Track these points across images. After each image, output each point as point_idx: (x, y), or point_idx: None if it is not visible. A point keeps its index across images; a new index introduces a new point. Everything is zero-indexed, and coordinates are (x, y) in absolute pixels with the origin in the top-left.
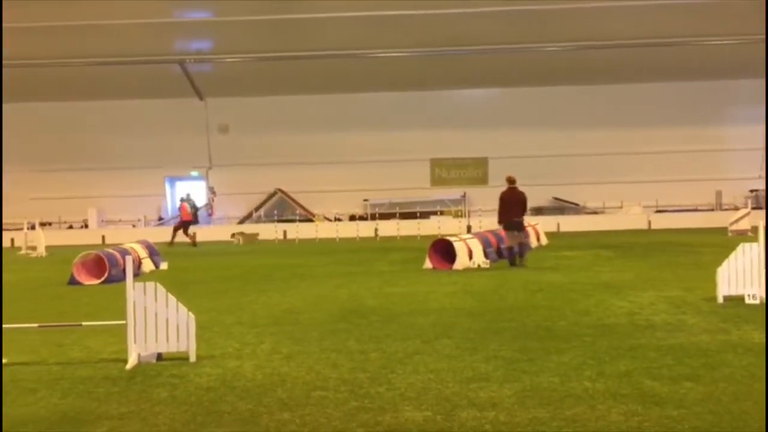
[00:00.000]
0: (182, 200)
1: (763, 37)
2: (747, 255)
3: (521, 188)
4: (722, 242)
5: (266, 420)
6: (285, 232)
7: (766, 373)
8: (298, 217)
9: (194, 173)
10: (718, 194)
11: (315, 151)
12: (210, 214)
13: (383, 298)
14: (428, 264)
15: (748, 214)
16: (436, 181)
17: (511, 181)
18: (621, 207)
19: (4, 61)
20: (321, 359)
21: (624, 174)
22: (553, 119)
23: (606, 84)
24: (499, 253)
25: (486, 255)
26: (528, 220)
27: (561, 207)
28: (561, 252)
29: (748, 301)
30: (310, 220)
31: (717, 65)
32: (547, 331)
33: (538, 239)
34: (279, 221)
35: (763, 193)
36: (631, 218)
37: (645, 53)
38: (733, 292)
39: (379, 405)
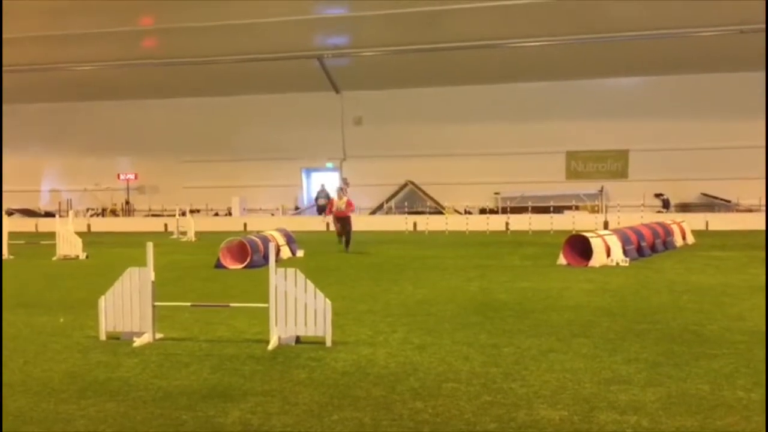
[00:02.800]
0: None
1: None
2: None
3: (662, 183)
4: None
5: (399, 407)
6: (415, 224)
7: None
8: (428, 209)
9: (329, 165)
10: None
11: (447, 143)
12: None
13: (516, 292)
14: (562, 260)
15: None
16: (572, 174)
17: None
18: None
19: (159, 60)
20: (453, 351)
21: None
22: (702, 109)
23: (761, 71)
24: (640, 251)
25: (625, 253)
26: (672, 217)
27: (710, 204)
28: (710, 252)
29: None
30: (440, 213)
31: None
32: (695, 336)
33: (684, 237)
34: (409, 213)
35: None
36: None
37: None
38: None
39: (512, 401)
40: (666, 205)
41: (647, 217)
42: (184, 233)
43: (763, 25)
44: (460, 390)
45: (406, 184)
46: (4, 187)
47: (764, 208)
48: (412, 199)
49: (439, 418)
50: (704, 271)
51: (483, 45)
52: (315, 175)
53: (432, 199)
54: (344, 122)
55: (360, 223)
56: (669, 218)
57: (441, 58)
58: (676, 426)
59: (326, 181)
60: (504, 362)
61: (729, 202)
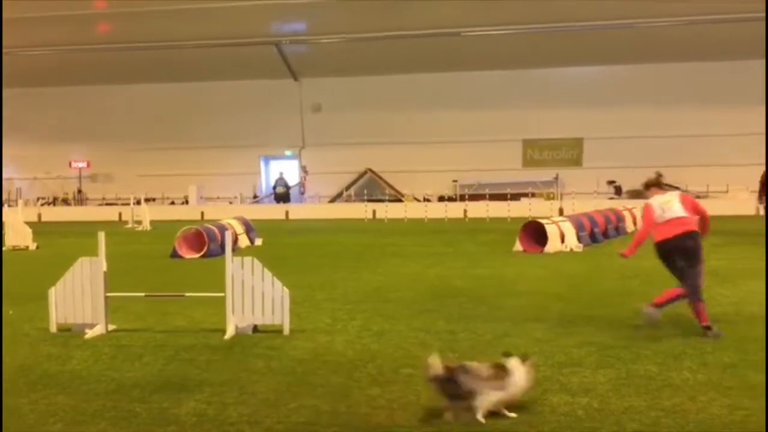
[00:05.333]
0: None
1: None
2: None
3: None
4: None
5: (357, 394)
6: (374, 212)
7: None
8: (387, 197)
9: (288, 153)
10: None
11: (406, 131)
12: (302, 193)
13: (472, 279)
14: (518, 246)
15: None
16: (528, 162)
17: None
18: (727, 191)
19: (113, 45)
20: (410, 338)
21: (730, 156)
22: (654, 98)
23: (711, 61)
24: (593, 237)
25: (579, 239)
26: (624, 203)
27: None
28: None
29: None
30: (400, 200)
31: None
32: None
33: (635, 223)
34: (369, 201)
35: None
36: (737, 203)
37: (758, 28)
38: None
39: None
40: (618, 191)
41: (600, 204)
42: (138, 222)
43: (709, 17)
44: (418, 376)
45: (365, 172)
46: None
47: (712, 194)
48: (371, 187)
49: (396, 403)
50: (653, 256)
51: (441, 33)
52: (274, 163)
53: (391, 186)
54: (303, 110)
55: (319, 211)
56: (621, 205)
57: (400, 46)
58: (625, 406)
59: (285, 169)
60: (460, 347)
61: (679, 188)
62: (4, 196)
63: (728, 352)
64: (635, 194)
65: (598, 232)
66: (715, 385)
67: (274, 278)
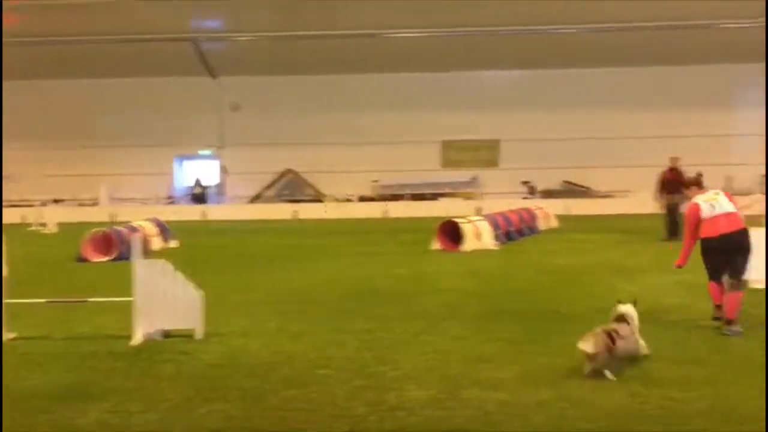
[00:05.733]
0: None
1: None
2: (755, 241)
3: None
4: None
5: (271, 397)
6: (295, 213)
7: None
8: (309, 198)
9: (205, 152)
10: (729, 179)
11: (327, 132)
12: (220, 193)
13: (391, 278)
14: (437, 245)
15: (759, 199)
16: (447, 163)
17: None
18: (631, 191)
19: (15, 39)
20: (328, 338)
21: (635, 158)
22: (565, 102)
23: (618, 67)
24: (508, 236)
25: (495, 237)
26: (537, 203)
27: (571, 190)
28: (571, 235)
29: (752, 285)
30: (320, 201)
31: (729, 49)
32: (553, 313)
33: (548, 222)
34: (289, 201)
35: None
36: (642, 202)
37: (660, 36)
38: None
39: (383, 384)
40: (532, 191)
41: (515, 204)
42: (43, 225)
43: (616, 25)
44: (333, 376)
45: (286, 173)
46: None
47: (617, 194)
48: (292, 187)
49: (311, 405)
50: (564, 253)
51: (361, 34)
52: (190, 163)
53: (313, 187)
54: (221, 108)
55: (239, 211)
56: (534, 204)
57: (320, 45)
58: (533, 399)
59: (204, 169)
60: (377, 347)
61: (587, 188)
62: None
63: None
64: (548, 194)
65: (513, 230)
66: (617, 375)
67: (186, 281)
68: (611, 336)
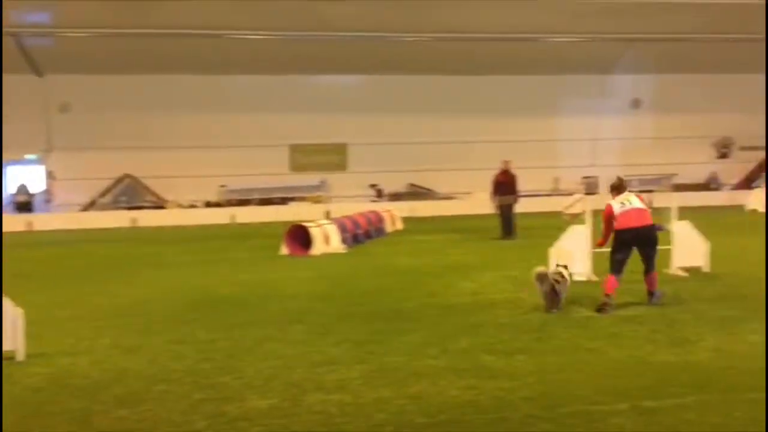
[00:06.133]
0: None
1: (594, 36)
2: (576, 236)
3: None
4: (558, 224)
5: (100, 419)
6: (134, 220)
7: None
8: (149, 204)
9: (30, 156)
10: (556, 181)
11: (168, 135)
12: (48, 201)
13: (237, 285)
14: (285, 250)
15: (581, 199)
16: (296, 167)
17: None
18: (471, 193)
19: None
20: (166, 351)
21: (474, 161)
22: (410, 107)
23: (461, 75)
24: (356, 239)
25: (343, 240)
26: (384, 206)
27: (416, 193)
28: (415, 236)
29: (576, 278)
30: (163, 207)
31: (557, 61)
32: (397, 313)
33: (394, 224)
34: (128, 208)
35: (595, 180)
36: (480, 203)
37: (499, 47)
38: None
39: (224, 395)
40: (379, 194)
41: (363, 207)
42: None
43: (455, 35)
44: (171, 391)
45: (123, 178)
46: None
47: (458, 196)
48: (131, 193)
49: (144, 424)
50: (408, 253)
51: (200, 34)
52: (12, 169)
53: (153, 193)
54: (49, 109)
55: (70, 220)
56: (382, 207)
57: (158, 44)
58: (375, 398)
59: (28, 174)
60: (219, 356)
61: (431, 191)
62: None
63: (465, 338)
64: (395, 196)
65: (361, 233)
66: (453, 369)
67: (5, 298)
68: (556, 279)
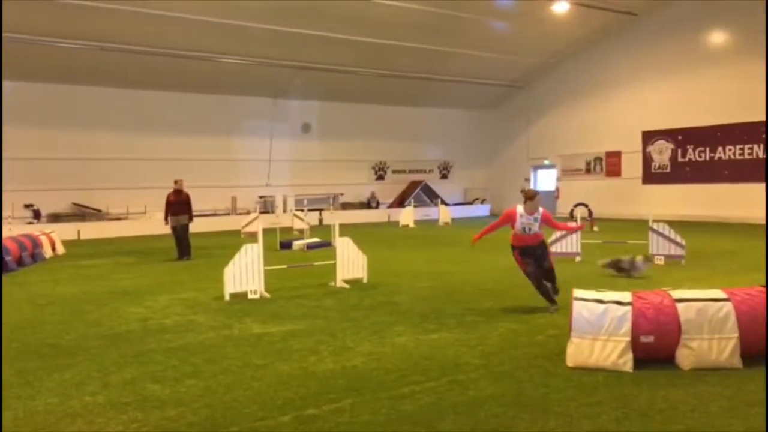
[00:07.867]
0: None
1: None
2: (249, 255)
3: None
4: (236, 243)
5: None
6: None
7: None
8: None
9: None
10: (234, 200)
11: None
12: None
13: None
14: None
15: (257, 218)
16: None
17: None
18: (145, 212)
19: None
20: None
21: (149, 179)
22: (73, 120)
23: (133, 89)
24: (6, 267)
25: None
26: (42, 228)
27: (82, 213)
28: (79, 261)
29: (250, 296)
30: None
31: (232, 81)
32: (53, 348)
33: (54, 248)
34: None
35: (270, 199)
36: (156, 224)
37: (173, 63)
38: (238, 289)
39: None
40: (37, 215)
41: (17, 229)
42: None
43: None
44: None
45: None
46: None
47: (132, 216)
48: None
49: None
50: (70, 281)
51: None
52: None
53: None
54: None
55: None
56: (39, 229)
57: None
58: None
59: None
60: None
61: (100, 211)
62: None
63: (131, 368)
64: (55, 218)
65: (11, 260)
66: (115, 404)
67: None
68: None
